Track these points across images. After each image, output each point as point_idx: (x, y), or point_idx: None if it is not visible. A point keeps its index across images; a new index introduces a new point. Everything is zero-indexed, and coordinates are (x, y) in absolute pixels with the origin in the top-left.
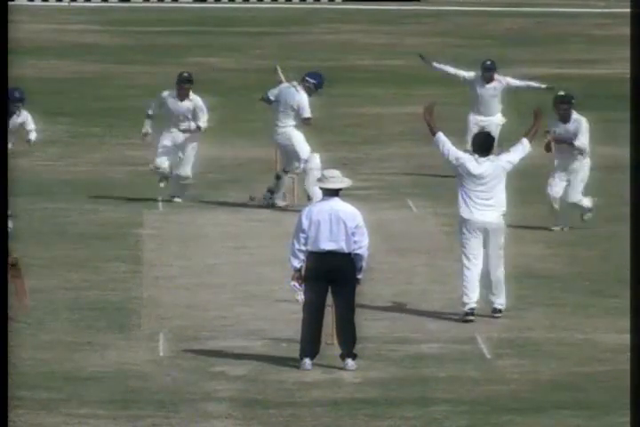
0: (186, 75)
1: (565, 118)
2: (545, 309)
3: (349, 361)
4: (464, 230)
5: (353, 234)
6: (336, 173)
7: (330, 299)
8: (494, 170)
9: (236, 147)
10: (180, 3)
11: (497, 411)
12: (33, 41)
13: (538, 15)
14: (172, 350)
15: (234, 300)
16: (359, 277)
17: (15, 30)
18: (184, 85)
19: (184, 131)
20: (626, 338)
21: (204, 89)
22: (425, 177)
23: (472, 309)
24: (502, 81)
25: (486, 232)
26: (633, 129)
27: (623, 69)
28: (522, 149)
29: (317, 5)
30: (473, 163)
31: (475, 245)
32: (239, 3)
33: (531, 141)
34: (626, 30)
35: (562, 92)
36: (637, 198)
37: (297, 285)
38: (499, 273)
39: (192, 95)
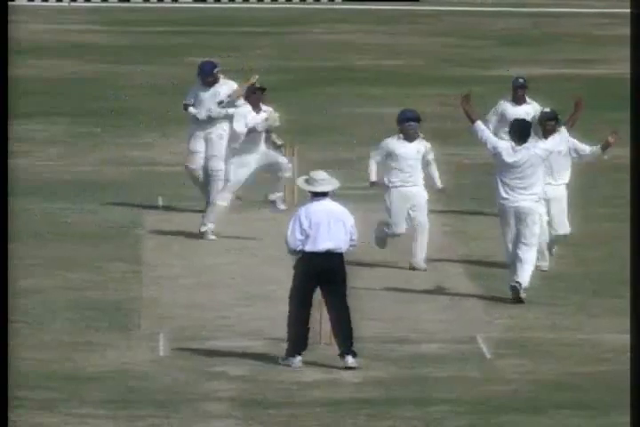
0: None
1: (550, 135)
2: (546, 308)
3: (349, 358)
4: (502, 216)
5: (350, 233)
6: (324, 174)
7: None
8: (530, 158)
9: None
10: (180, 3)
11: (497, 411)
12: (33, 41)
13: (537, 15)
14: (172, 350)
15: (234, 300)
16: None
17: (15, 30)
18: None
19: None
20: (626, 338)
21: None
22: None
23: (517, 283)
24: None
25: (520, 218)
26: (633, 129)
27: (623, 69)
28: (558, 137)
29: (317, 5)
30: (509, 151)
31: (509, 231)
32: (239, 3)
33: (569, 130)
34: (626, 30)
35: (547, 109)
36: (637, 198)
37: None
38: (530, 258)
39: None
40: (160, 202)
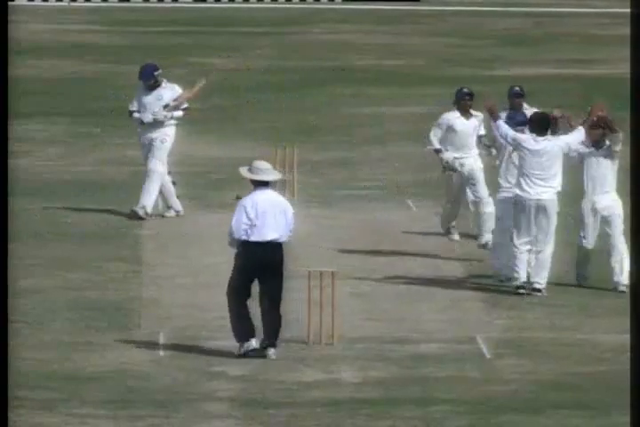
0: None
1: None
2: (545, 309)
3: (272, 350)
4: (518, 208)
5: (291, 223)
6: (267, 164)
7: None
8: (552, 148)
9: (236, 147)
10: (180, 3)
11: (497, 411)
12: (33, 41)
13: (537, 15)
14: (172, 350)
15: None
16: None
17: (15, 30)
18: None
19: None
20: (626, 338)
21: (205, 89)
22: (425, 177)
23: (523, 283)
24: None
25: (538, 210)
26: (633, 129)
27: (623, 69)
28: (578, 134)
29: (317, 5)
30: (531, 141)
31: (526, 223)
32: (239, 3)
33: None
34: (626, 30)
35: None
36: (637, 198)
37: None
38: (547, 251)
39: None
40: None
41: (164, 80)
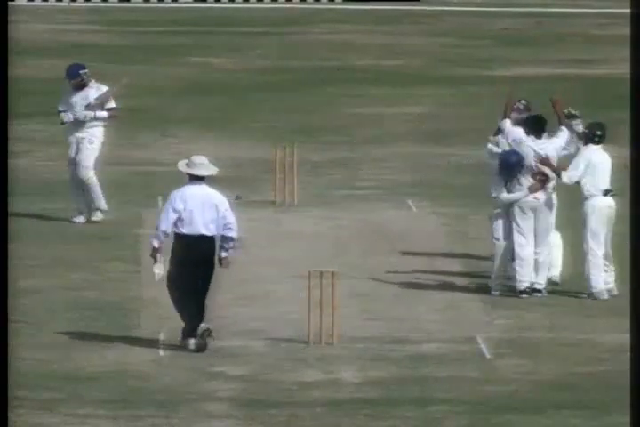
0: None
1: None
2: (545, 309)
3: (192, 340)
4: (517, 210)
5: (224, 217)
6: (203, 159)
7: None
8: (550, 151)
9: (236, 147)
10: (180, 3)
11: (497, 411)
12: (33, 41)
13: (537, 15)
14: (172, 350)
15: (233, 300)
16: (224, 254)
17: (15, 30)
18: None
19: None
20: (626, 338)
21: (204, 89)
22: (425, 177)
23: (527, 287)
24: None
25: (536, 211)
26: (633, 129)
27: (623, 69)
28: (563, 134)
29: (317, 5)
30: (530, 143)
31: (527, 224)
32: (239, 3)
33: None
34: (626, 30)
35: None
36: (637, 198)
37: (155, 259)
38: (544, 252)
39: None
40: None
41: (92, 80)
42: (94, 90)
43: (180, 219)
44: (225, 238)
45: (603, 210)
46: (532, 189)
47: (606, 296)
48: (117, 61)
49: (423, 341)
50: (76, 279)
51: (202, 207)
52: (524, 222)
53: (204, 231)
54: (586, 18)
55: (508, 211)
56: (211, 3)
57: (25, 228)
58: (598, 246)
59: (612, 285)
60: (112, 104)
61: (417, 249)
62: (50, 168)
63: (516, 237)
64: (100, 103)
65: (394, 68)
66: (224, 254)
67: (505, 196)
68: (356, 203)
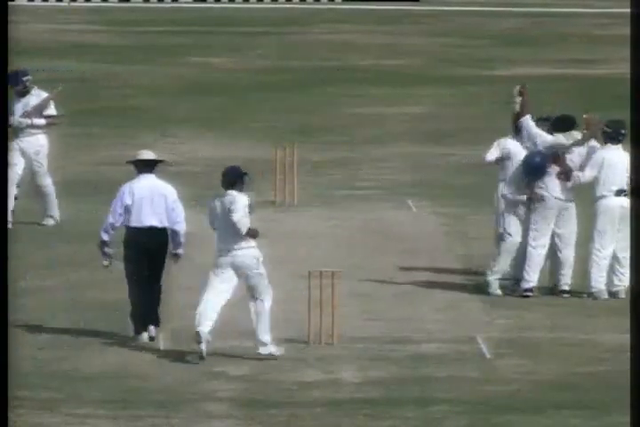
0: None
1: None
2: (545, 309)
3: (152, 328)
4: (539, 210)
5: (172, 209)
6: (149, 152)
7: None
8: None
9: (236, 147)
10: (180, 3)
11: (497, 411)
12: (33, 41)
13: (537, 15)
14: (172, 350)
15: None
16: (179, 251)
17: (15, 30)
18: None
19: None
20: (626, 338)
21: (204, 89)
22: (425, 177)
23: (531, 287)
24: None
25: (562, 210)
26: (633, 129)
27: (623, 69)
28: (591, 149)
29: (317, 5)
30: (550, 139)
31: (546, 224)
32: (239, 3)
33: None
34: (626, 30)
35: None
36: (637, 198)
37: (105, 254)
38: (569, 252)
39: None
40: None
41: (35, 87)
42: (35, 97)
43: (128, 212)
44: (174, 233)
45: (614, 210)
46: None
47: (606, 296)
48: (117, 61)
49: (423, 341)
50: (75, 279)
51: (150, 198)
52: (543, 223)
53: (152, 223)
54: (586, 18)
55: (517, 210)
56: (211, 3)
57: (25, 228)
58: (603, 246)
59: (621, 288)
60: (52, 111)
61: (417, 249)
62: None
63: (532, 237)
64: (38, 110)
65: (394, 68)
66: (177, 251)
67: (515, 196)
68: (356, 203)
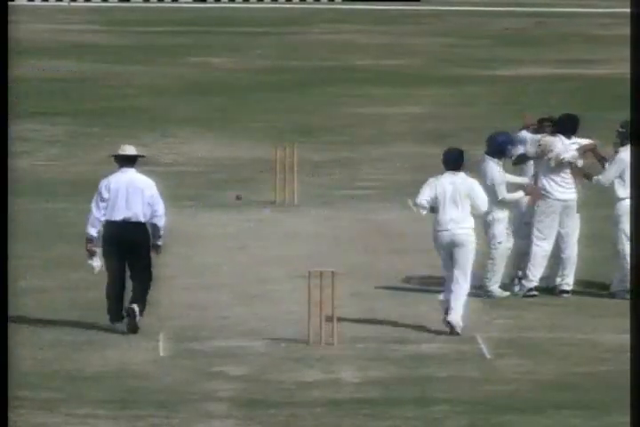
0: None
1: None
2: (545, 309)
3: (134, 305)
4: (543, 209)
5: (150, 203)
6: (131, 147)
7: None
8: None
9: (236, 147)
10: (180, 3)
11: (497, 411)
12: (33, 41)
13: (537, 15)
14: (172, 350)
15: (234, 300)
16: (159, 243)
17: (15, 30)
18: None
19: None
20: (626, 338)
21: (204, 89)
22: (425, 177)
23: (535, 286)
24: None
25: (564, 210)
26: (633, 129)
27: (623, 69)
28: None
29: (317, 5)
30: (559, 144)
31: (550, 224)
32: (239, 3)
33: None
34: (626, 30)
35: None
36: (637, 198)
37: (92, 252)
38: (572, 252)
39: None
40: None
41: None
42: None
43: (106, 205)
44: (153, 226)
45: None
46: (528, 191)
47: (628, 297)
48: (117, 61)
49: (423, 341)
50: (75, 279)
51: (125, 192)
52: (546, 223)
53: (125, 216)
54: (587, 18)
55: (512, 212)
56: (211, 3)
57: (25, 228)
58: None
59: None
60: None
61: (417, 249)
62: (50, 168)
63: (536, 237)
64: None
65: (394, 68)
66: (156, 242)
67: (509, 196)
68: (356, 203)
